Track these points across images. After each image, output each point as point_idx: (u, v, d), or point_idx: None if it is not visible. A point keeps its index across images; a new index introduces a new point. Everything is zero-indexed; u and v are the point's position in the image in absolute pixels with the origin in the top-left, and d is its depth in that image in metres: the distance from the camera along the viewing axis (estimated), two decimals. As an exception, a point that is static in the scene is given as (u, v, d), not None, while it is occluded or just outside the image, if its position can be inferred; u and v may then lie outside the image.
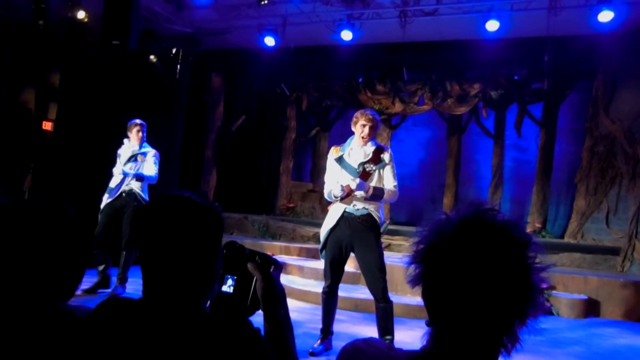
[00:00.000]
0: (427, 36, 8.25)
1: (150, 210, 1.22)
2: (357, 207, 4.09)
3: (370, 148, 4.18)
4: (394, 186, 4.14)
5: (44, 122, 11.29)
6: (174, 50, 8.81)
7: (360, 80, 10.67)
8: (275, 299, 1.30)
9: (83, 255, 1.38)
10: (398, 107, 10.49)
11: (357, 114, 4.26)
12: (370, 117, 4.19)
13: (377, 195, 4.05)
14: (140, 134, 5.69)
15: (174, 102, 9.04)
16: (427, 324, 0.98)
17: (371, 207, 4.09)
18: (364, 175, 4.07)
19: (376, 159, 4.14)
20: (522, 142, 10.63)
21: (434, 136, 11.68)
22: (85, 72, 8.53)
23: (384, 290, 4.11)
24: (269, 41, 8.28)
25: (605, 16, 6.84)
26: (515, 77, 9.86)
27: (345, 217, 4.09)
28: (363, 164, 4.12)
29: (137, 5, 7.19)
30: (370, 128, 4.16)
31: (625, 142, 8.21)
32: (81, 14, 7.73)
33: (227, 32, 8.60)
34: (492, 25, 7.29)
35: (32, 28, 7.83)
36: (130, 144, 5.75)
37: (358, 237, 4.09)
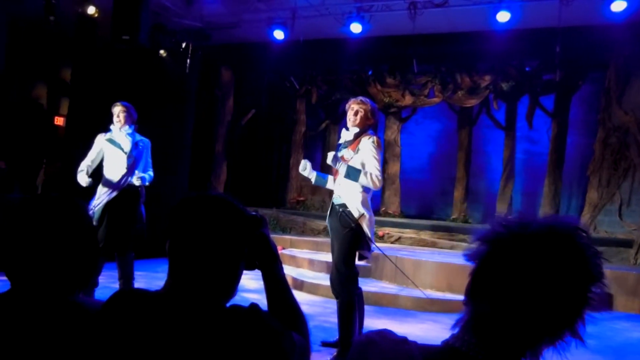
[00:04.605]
0: (437, 28, 8.20)
1: (192, 206, 1.24)
2: (335, 195, 3.98)
3: (351, 133, 3.97)
4: (374, 176, 3.78)
5: (56, 118, 11.39)
6: (183, 45, 8.82)
7: (369, 73, 10.64)
8: (272, 257, 1.33)
9: (96, 249, 1.39)
10: (408, 99, 10.45)
11: (351, 99, 4.10)
12: (360, 101, 4.00)
13: (350, 174, 3.80)
14: (124, 114, 4.93)
15: (184, 96, 9.06)
16: (464, 304, 0.99)
17: (346, 197, 3.87)
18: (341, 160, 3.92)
19: (355, 144, 3.92)
20: (533, 134, 10.55)
21: (445, 129, 11.62)
22: (96, 67, 8.57)
23: (334, 285, 3.89)
24: (278, 34, 8.27)
25: (618, 6, 6.76)
26: (527, 69, 9.78)
27: (333, 207, 4.01)
28: (344, 147, 3.99)
29: (147, 0, 7.20)
30: (358, 112, 3.94)
31: (639, 133, 8.13)
32: (91, 10, 7.77)
33: (237, 26, 8.59)
34: (503, 16, 7.23)
35: (43, 24, 7.88)
36: (122, 129, 4.95)
37: (332, 227, 3.99)
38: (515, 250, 0.94)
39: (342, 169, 3.84)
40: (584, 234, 0.95)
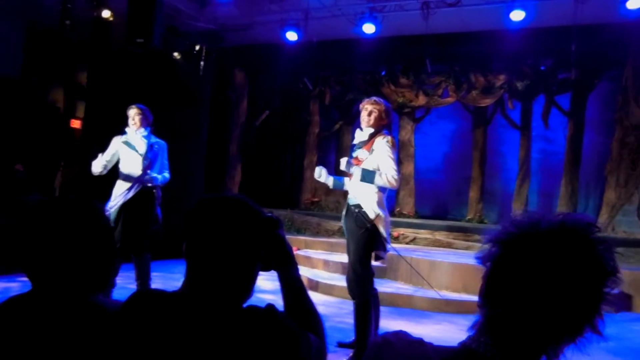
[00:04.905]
0: (450, 27, 8.15)
1: (209, 208, 1.25)
2: (350, 196, 3.98)
3: (365, 133, 3.95)
4: (390, 175, 3.77)
5: (72, 121, 11.53)
6: (197, 47, 8.88)
7: (383, 73, 10.62)
8: (287, 258, 1.35)
9: (114, 250, 1.40)
10: (422, 99, 10.41)
11: (364, 100, 4.09)
12: (374, 101, 3.98)
13: (365, 176, 3.79)
14: (140, 116, 4.99)
15: (198, 98, 9.12)
16: (479, 306, 0.99)
17: (361, 197, 3.86)
18: (354, 164, 3.92)
19: (369, 145, 3.90)
20: (549, 134, 10.44)
21: (459, 129, 11.55)
22: (111, 70, 8.66)
23: (351, 286, 3.88)
24: (291, 36, 8.29)
25: (634, 3, 6.66)
26: (542, 68, 9.68)
27: (348, 207, 4.00)
28: (359, 148, 3.99)
29: (161, 3, 7.26)
30: (372, 112, 3.92)
31: (657, 132, 8.01)
32: (106, 13, 7.85)
33: (250, 27, 8.63)
34: (517, 15, 7.16)
35: (59, 28, 7.98)
36: (138, 131, 4.98)
37: (347, 228, 3.99)
38: (527, 249, 0.93)
39: (356, 173, 3.84)
40: (595, 229, 0.94)
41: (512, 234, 0.96)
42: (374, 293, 3.97)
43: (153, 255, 5.14)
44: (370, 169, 3.82)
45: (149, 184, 4.94)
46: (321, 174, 4.12)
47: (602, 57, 8.92)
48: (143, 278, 5.02)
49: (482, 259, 0.99)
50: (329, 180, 4.16)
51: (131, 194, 4.92)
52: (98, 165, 4.91)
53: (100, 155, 4.96)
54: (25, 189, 8.96)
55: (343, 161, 3.94)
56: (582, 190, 9.77)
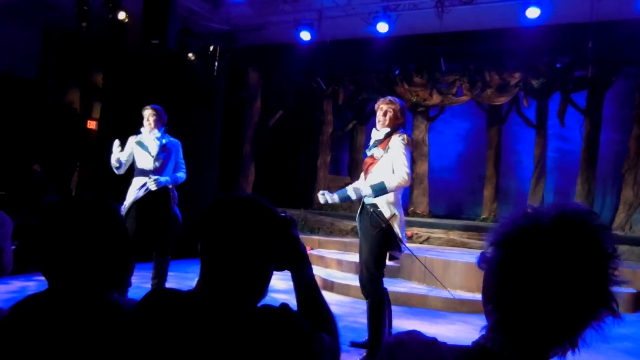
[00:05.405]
0: (464, 25, 8.10)
1: (225, 207, 1.26)
2: (366, 195, 3.96)
3: (382, 133, 3.95)
4: (401, 172, 3.76)
5: (88, 121, 11.66)
6: (211, 48, 8.92)
7: (397, 72, 10.58)
8: (301, 258, 1.35)
9: (129, 249, 1.42)
10: (436, 98, 10.36)
11: (380, 100, 4.09)
12: (389, 101, 3.97)
13: (377, 191, 3.78)
14: (154, 117, 5.03)
15: (212, 99, 9.16)
16: (487, 309, 0.99)
17: (376, 198, 3.84)
18: (369, 162, 3.93)
19: (385, 143, 3.90)
20: (565, 132, 10.34)
21: (473, 127, 11.48)
22: (127, 71, 8.74)
23: (364, 286, 3.87)
24: (305, 35, 8.30)
25: (653, -1, 6.58)
26: (558, 65, 9.58)
27: (363, 206, 3.99)
28: (374, 146, 3.97)
29: (175, 5, 7.32)
30: (387, 112, 3.93)
31: (676, 129, 7.89)
32: (122, 15, 7.92)
33: (263, 28, 8.66)
34: (533, 12, 7.10)
35: (76, 31, 8.07)
36: (152, 132, 5.03)
37: (361, 228, 3.98)
38: (532, 246, 0.93)
39: (367, 192, 3.81)
40: (595, 216, 0.94)
41: (513, 232, 0.95)
42: (384, 292, 3.97)
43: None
44: (377, 182, 3.79)
45: (153, 188, 4.92)
46: (326, 198, 4.10)
47: (619, 54, 8.80)
48: (160, 278, 5.05)
49: (483, 264, 0.98)
50: (335, 198, 4.10)
51: (142, 193, 4.97)
52: (116, 152, 4.98)
53: (117, 140, 4.99)
54: (42, 189, 9.08)
55: (350, 190, 3.94)
56: (599, 189, 9.66)
